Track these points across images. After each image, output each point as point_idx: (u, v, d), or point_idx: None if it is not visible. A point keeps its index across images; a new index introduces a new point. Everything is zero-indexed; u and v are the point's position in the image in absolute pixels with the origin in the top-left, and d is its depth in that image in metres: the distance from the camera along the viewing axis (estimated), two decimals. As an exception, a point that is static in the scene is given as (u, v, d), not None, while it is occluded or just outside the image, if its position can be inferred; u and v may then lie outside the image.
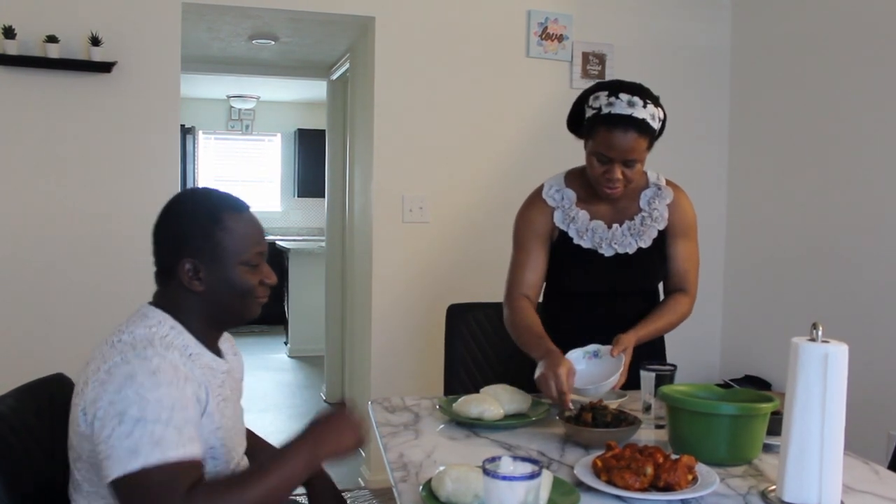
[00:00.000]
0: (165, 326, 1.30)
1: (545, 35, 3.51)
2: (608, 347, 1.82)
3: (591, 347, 1.84)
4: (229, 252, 1.32)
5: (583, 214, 1.97)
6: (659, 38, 3.71)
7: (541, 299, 2.11)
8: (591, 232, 1.96)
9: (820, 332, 1.24)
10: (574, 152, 2.03)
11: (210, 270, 1.32)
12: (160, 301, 1.35)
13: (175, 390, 1.19)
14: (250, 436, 1.57)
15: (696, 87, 3.78)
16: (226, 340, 1.48)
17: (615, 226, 1.97)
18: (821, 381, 1.22)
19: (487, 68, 3.48)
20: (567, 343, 1.85)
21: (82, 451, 1.24)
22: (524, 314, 1.93)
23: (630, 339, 1.83)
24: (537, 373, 1.72)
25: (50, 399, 1.44)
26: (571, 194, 1.99)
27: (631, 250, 1.96)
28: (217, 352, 1.40)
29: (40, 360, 2.21)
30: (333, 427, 1.28)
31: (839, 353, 1.22)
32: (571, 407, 1.66)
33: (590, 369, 1.82)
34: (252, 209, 1.40)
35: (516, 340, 1.94)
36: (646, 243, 1.96)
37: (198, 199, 1.37)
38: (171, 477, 1.12)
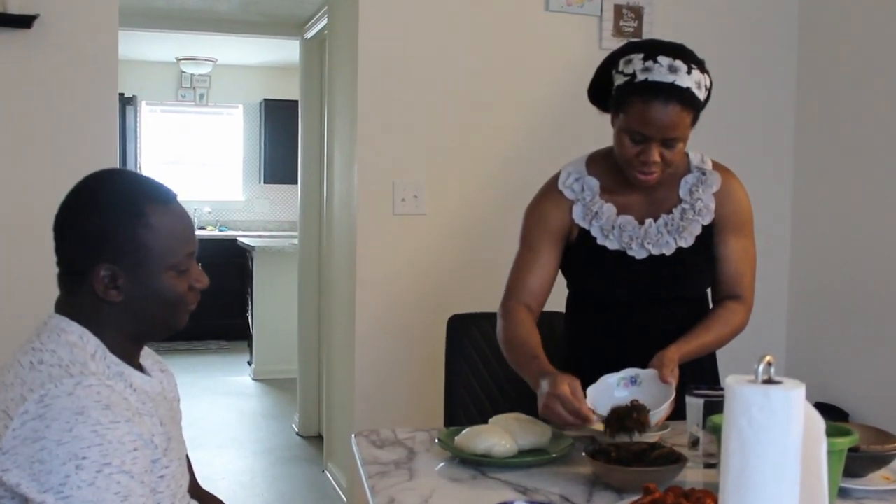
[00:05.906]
0: (91, 344, 1.32)
1: (569, -17, 3.52)
2: (649, 371, 1.82)
3: (629, 372, 1.84)
4: (155, 255, 1.33)
5: (608, 208, 1.97)
6: (709, -12, 3.70)
7: (564, 311, 2.12)
8: (618, 229, 1.96)
9: (771, 370, 1.06)
10: (604, 129, 2.03)
11: (131, 278, 1.32)
12: (67, 310, 1.35)
13: (135, 427, 1.24)
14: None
15: (755, 52, 3.77)
16: (147, 356, 1.49)
17: (648, 221, 1.97)
18: (759, 440, 1.02)
19: (497, 26, 3.47)
20: (597, 365, 1.86)
21: None
22: (520, 328, 1.95)
23: (673, 355, 1.83)
24: (540, 404, 1.74)
25: None
26: (594, 183, 1.99)
27: (668, 251, 1.96)
28: (140, 369, 1.42)
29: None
30: None
31: (786, 398, 1.03)
32: (595, 419, 1.67)
33: (629, 399, 1.81)
34: (180, 197, 1.39)
35: (508, 358, 1.97)
36: (687, 242, 1.96)
37: (115, 186, 1.36)
38: None
